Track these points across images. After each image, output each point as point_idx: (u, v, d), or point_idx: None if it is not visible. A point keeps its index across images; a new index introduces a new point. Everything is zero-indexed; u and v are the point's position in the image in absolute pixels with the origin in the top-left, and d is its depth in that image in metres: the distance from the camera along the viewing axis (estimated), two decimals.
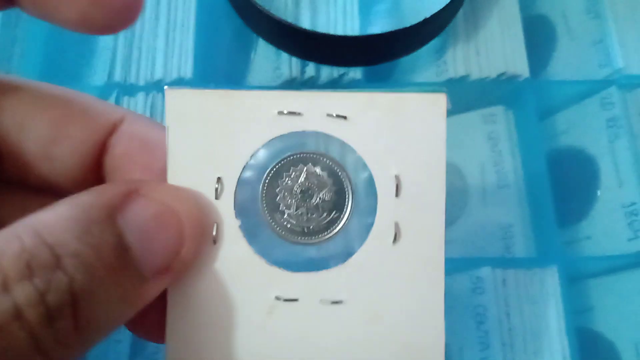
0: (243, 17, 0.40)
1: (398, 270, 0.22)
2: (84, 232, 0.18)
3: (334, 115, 0.22)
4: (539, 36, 0.42)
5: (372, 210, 0.22)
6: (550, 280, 0.36)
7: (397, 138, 0.22)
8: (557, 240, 0.37)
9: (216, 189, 0.22)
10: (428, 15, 0.37)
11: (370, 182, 0.22)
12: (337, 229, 0.22)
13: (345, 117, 0.22)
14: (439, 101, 0.22)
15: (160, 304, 0.22)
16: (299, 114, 0.22)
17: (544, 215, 0.38)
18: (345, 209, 0.22)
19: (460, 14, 0.40)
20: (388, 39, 0.37)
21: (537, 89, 0.40)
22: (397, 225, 0.22)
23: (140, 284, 0.19)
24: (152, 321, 0.23)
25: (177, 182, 0.22)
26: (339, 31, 0.39)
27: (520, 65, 0.39)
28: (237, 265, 0.22)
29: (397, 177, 0.22)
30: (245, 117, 0.22)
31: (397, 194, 0.22)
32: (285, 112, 0.22)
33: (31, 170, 0.23)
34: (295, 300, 0.22)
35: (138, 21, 0.40)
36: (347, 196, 0.22)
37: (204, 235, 0.22)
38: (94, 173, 0.24)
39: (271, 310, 0.22)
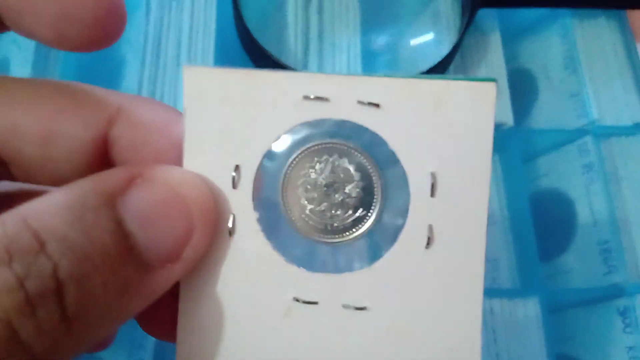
0: (256, 64, 0.42)
1: (430, 279, 0.20)
2: (76, 217, 0.17)
3: (366, 102, 0.20)
4: (522, 88, 0.44)
5: (404, 211, 0.20)
6: (533, 310, 0.38)
7: (436, 131, 0.20)
8: (539, 273, 0.39)
9: (233, 178, 0.20)
10: (424, 69, 0.39)
11: (403, 179, 0.20)
12: (364, 228, 0.20)
13: (378, 105, 0.20)
14: (488, 91, 0.19)
15: (176, 300, 0.21)
16: (327, 99, 0.20)
17: (527, 250, 0.40)
18: (373, 207, 0.20)
19: (452, 67, 0.43)
20: None
21: (521, 137, 0.42)
22: (430, 229, 0.20)
23: (144, 274, 0.18)
24: (166, 319, 0.22)
25: (193, 169, 0.20)
26: None
27: (505, 115, 0.41)
28: (254, 261, 0.20)
29: (433, 175, 0.20)
30: (268, 100, 0.20)
31: (432, 194, 0.20)
32: (311, 96, 0.20)
33: (35, 173, 0.21)
34: (315, 303, 0.20)
35: (161, 64, 0.43)
36: (375, 193, 0.20)
37: (218, 225, 0.20)
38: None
39: (288, 312, 0.20)
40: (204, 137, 0.20)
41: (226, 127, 0.20)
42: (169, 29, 0.42)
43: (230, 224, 0.20)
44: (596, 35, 0.45)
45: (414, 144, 0.20)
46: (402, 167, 0.20)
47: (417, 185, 0.20)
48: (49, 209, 0.17)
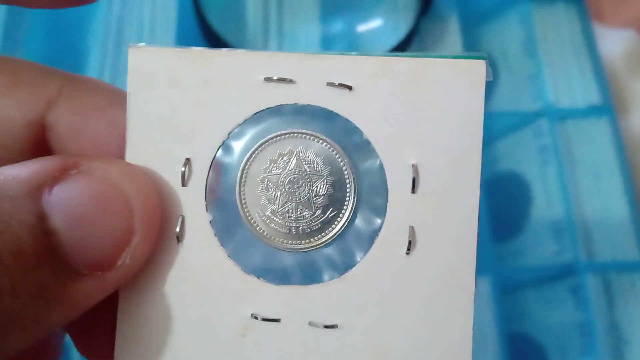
0: None
1: (412, 289, 0.17)
2: None
3: (336, 84, 0.17)
4: None
5: (381, 210, 0.17)
6: (484, 289, 0.38)
7: (418, 116, 0.17)
8: (491, 253, 0.39)
9: (183, 173, 0.17)
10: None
11: (380, 173, 0.17)
12: (334, 232, 0.17)
13: (350, 88, 0.17)
14: (478, 70, 0.17)
15: (113, 316, 0.17)
16: (292, 81, 0.17)
17: (480, 231, 0.42)
18: (345, 207, 0.17)
19: (410, 50, 0.42)
20: None
21: None
22: (412, 231, 0.17)
23: (67, 280, 0.15)
24: (104, 339, 0.18)
25: (136, 162, 0.17)
26: None
27: None
28: (206, 271, 0.17)
29: (414, 168, 0.17)
30: (224, 83, 0.17)
31: (414, 190, 0.17)
32: (274, 78, 0.17)
33: None
34: (277, 320, 0.17)
35: (122, 55, 0.45)
36: (348, 190, 0.17)
37: (164, 228, 0.17)
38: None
39: (245, 332, 0.17)
40: (149, 125, 0.17)
41: (176, 115, 0.17)
42: (131, 20, 0.43)
43: (178, 229, 0.17)
44: (554, 19, 0.44)
45: (392, 131, 0.17)
46: (378, 159, 0.17)
47: (396, 179, 0.17)
48: None
